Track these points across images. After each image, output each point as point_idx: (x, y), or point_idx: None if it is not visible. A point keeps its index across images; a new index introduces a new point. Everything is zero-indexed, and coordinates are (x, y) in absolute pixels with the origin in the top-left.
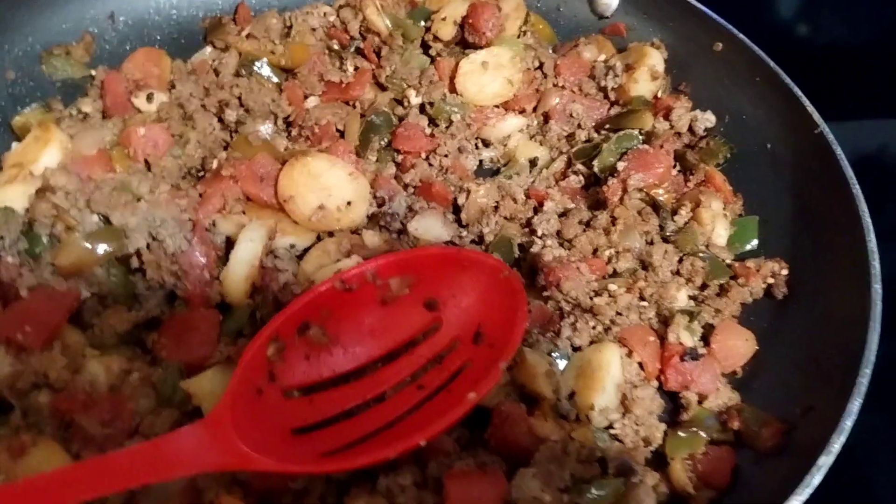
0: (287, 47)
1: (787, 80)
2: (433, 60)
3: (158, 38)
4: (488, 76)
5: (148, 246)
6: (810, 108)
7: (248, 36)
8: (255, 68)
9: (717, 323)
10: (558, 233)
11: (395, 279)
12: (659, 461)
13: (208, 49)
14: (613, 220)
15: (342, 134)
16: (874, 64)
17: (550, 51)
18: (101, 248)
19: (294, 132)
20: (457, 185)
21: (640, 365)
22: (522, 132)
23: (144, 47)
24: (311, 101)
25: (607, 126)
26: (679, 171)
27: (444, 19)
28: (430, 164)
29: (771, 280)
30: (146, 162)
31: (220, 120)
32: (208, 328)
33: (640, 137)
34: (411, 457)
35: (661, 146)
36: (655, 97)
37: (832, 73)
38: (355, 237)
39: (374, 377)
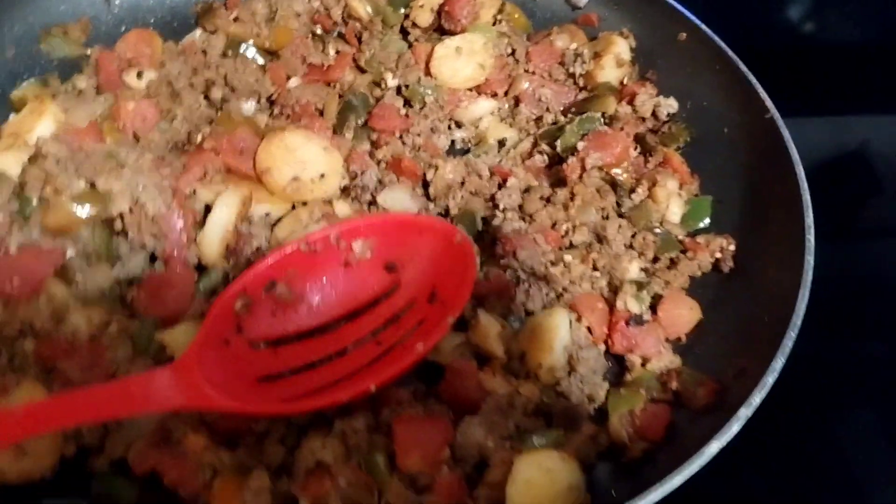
0: (272, 31)
1: (744, 68)
2: (411, 46)
3: (152, 21)
4: (462, 61)
5: (130, 209)
6: (763, 95)
7: (235, 19)
8: (241, 50)
9: (665, 293)
10: (520, 207)
11: (357, 242)
12: (601, 417)
13: (198, 31)
14: (572, 197)
15: (321, 113)
16: (856, 60)
17: (525, 39)
18: (87, 210)
19: (276, 110)
20: (427, 162)
21: (589, 329)
22: (493, 115)
23: (137, 28)
24: (293, 82)
25: (573, 110)
26: (639, 153)
27: (422, 7)
28: (404, 143)
29: (718, 255)
30: (135, 135)
31: (207, 97)
32: (184, 286)
33: (602, 120)
34: (367, 404)
35: (622, 129)
36: (622, 84)
37: (814, 69)
38: (327, 207)
39: (336, 333)
